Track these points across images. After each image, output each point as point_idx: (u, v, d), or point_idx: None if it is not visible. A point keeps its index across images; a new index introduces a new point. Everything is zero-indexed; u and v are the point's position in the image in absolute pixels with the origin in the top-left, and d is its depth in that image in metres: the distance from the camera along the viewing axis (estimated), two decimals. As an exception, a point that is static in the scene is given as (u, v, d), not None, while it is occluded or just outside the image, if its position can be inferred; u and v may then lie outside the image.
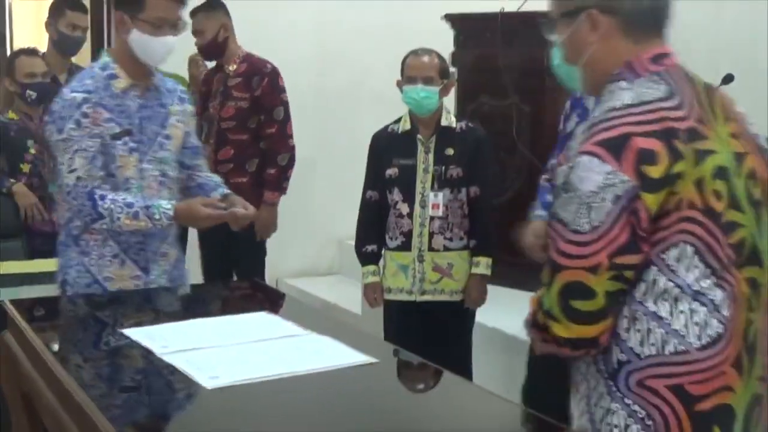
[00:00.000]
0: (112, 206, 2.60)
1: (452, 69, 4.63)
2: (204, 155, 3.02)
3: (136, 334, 2.15)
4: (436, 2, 4.67)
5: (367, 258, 3.43)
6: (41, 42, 4.44)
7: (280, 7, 5.25)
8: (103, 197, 2.61)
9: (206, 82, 4.20)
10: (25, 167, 3.84)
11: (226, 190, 2.87)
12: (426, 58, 3.35)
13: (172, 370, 1.92)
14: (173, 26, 2.65)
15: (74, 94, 2.64)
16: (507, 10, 4.42)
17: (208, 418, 1.81)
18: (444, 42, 4.56)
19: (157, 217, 2.61)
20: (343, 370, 1.96)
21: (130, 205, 2.61)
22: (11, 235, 3.87)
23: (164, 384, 1.95)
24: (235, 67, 4.05)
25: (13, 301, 2.47)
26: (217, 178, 2.95)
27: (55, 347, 2.12)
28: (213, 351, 2.04)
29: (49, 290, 3.21)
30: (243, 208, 2.71)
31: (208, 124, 4.10)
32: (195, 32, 3.96)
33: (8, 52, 5.08)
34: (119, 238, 2.70)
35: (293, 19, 5.30)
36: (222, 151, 4.04)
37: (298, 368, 1.94)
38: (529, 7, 4.49)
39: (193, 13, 3.91)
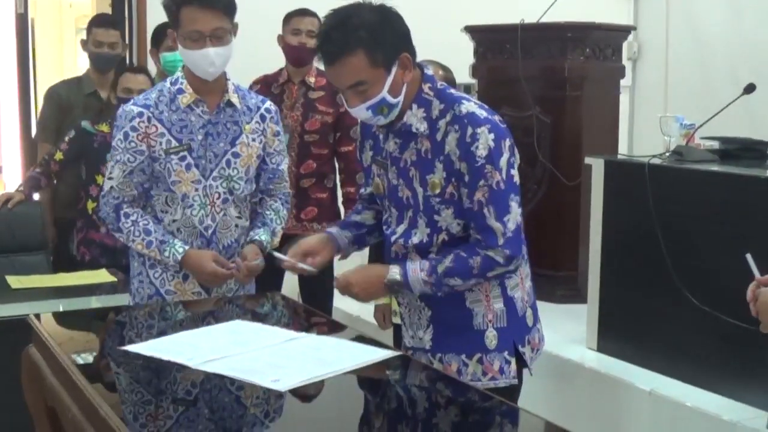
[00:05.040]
0: (132, 228, 2.63)
1: (472, 81, 4.67)
2: (285, 176, 2.90)
3: (140, 349, 2.14)
4: (456, 14, 4.68)
5: None
6: (62, 58, 4.49)
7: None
8: (127, 215, 2.64)
9: (267, 88, 3.94)
10: (100, 179, 3.84)
11: (263, 237, 2.75)
12: None
13: (216, 380, 1.93)
14: (214, 37, 2.58)
15: (132, 107, 2.66)
16: (527, 21, 4.42)
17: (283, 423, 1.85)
18: (464, 54, 4.58)
19: (166, 255, 2.63)
20: (382, 363, 2.04)
21: (148, 233, 2.63)
22: (36, 248, 3.90)
23: (217, 396, 1.95)
24: (314, 80, 3.97)
25: (38, 316, 2.46)
26: (273, 219, 2.83)
27: (80, 361, 2.13)
28: (242, 357, 2.03)
29: (72, 304, 3.23)
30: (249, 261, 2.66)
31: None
32: (311, 32, 3.81)
33: (31, 68, 5.12)
34: None
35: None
36: (304, 164, 3.91)
37: (339, 366, 1.98)
38: (548, 19, 4.50)
39: (312, 14, 3.85)
